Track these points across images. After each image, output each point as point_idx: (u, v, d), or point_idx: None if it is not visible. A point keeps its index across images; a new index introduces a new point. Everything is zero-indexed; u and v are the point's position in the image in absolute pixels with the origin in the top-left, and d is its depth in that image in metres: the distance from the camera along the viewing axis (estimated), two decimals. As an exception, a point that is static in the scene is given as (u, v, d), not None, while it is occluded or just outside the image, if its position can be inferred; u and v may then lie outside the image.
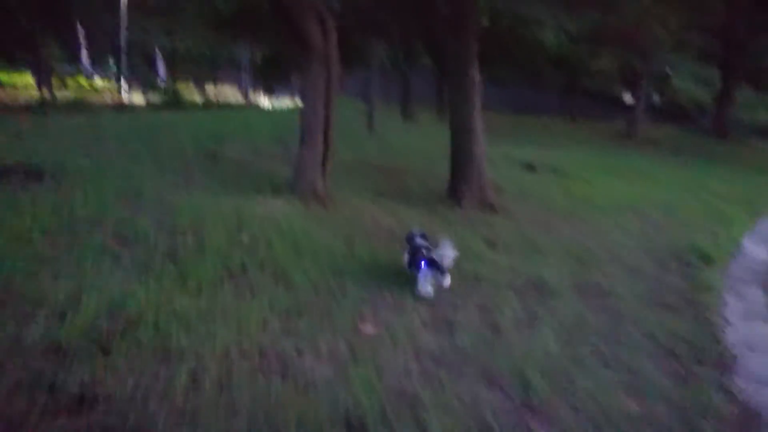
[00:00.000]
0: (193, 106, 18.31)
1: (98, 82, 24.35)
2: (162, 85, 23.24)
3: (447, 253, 4.52)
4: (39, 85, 17.80)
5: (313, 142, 6.65)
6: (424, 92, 23.36)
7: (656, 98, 32.40)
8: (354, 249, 5.22)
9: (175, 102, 17.60)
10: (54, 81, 19.17)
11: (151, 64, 28.05)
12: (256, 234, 5.16)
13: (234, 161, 8.70)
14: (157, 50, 30.17)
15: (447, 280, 4.56)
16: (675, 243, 7.34)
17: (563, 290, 5.08)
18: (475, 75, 7.98)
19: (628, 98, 31.36)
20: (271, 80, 23.24)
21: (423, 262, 4.41)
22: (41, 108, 14.11)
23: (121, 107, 15.86)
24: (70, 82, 20.19)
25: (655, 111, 30.52)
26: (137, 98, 18.24)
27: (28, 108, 14.61)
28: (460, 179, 8.03)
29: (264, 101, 25.82)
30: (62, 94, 17.17)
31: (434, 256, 4.46)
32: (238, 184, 7.13)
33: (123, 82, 20.29)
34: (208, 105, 18.19)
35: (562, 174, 12.94)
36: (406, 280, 4.53)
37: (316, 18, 6.35)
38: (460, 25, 7.78)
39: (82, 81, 22.35)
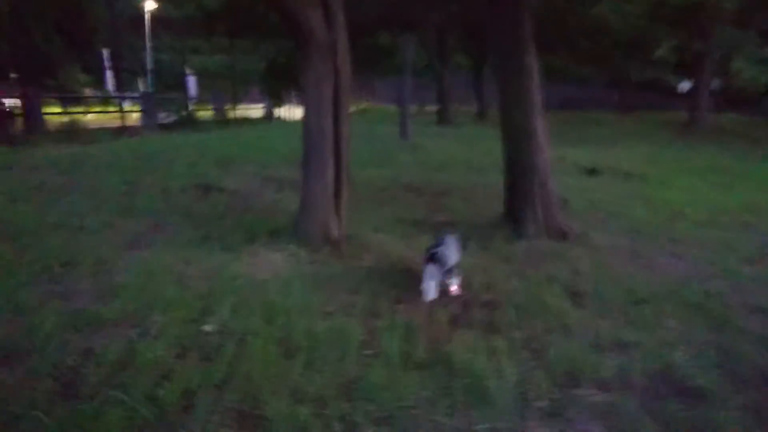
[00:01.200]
0: (208, 124, 16.88)
1: (125, 107, 23.35)
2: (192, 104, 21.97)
3: (449, 253, 4.21)
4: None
5: (322, 168, 4.89)
6: (461, 94, 21.45)
7: (716, 83, 29.57)
8: (391, 339, 3.37)
9: (189, 121, 16.19)
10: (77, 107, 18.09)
11: (183, 84, 27.01)
12: (226, 320, 3.39)
13: (232, 194, 7.03)
14: (186, 69, 29.20)
15: (454, 285, 4.29)
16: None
17: (723, 394, 3.11)
18: (533, 63, 6.07)
19: (683, 86, 28.72)
20: (280, 86, 21.58)
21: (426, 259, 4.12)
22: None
23: (121, 131, 14.46)
24: (86, 107, 19.05)
25: (715, 98, 27.78)
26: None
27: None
28: (520, 200, 6.14)
29: (287, 112, 24.32)
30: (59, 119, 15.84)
31: (437, 251, 4.13)
32: (227, 228, 5.42)
33: (139, 102, 19.03)
34: (223, 122, 16.71)
35: (632, 177, 10.85)
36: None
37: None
38: (511, -1, 5.92)
39: (110, 106, 21.19)
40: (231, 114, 20.28)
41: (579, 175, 11.01)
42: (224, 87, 25.17)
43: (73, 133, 13.11)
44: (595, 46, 18.28)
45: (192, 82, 27.95)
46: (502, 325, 3.79)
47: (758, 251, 6.20)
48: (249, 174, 7.93)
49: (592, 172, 11.31)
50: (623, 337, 3.86)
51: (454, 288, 4.27)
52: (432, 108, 20.02)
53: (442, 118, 18.46)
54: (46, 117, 14.90)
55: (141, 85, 28.02)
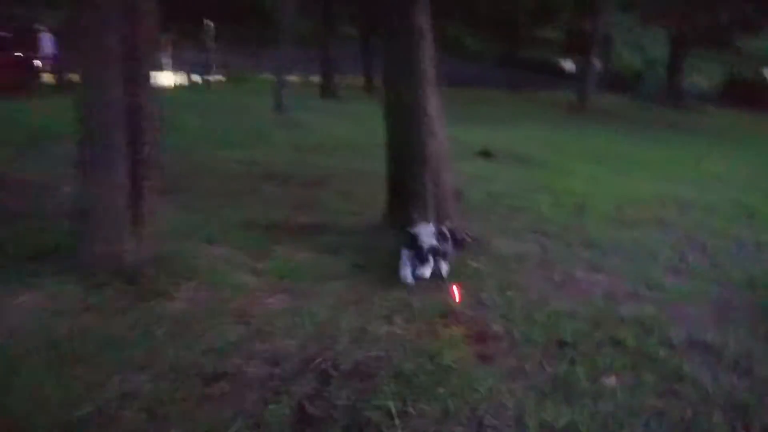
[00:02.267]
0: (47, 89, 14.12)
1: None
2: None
3: (424, 238, 3.89)
4: None
5: (107, 159, 3.19)
6: (350, 66, 19.90)
7: (597, 65, 30.25)
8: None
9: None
10: None
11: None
12: None
13: (17, 188, 5.05)
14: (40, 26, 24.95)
15: (426, 270, 3.91)
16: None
17: None
18: (426, 25, 4.68)
19: (569, 66, 29.03)
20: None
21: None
22: None
23: None
24: None
25: (598, 79, 28.34)
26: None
27: None
28: (406, 197, 4.75)
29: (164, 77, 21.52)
30: None
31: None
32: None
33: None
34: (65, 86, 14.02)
35: (530, 163, 9.94)
36: None
37: None
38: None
39: None
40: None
41: (473, 160, 9.92)
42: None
43: None
44: (495, 10, 17.28)
45: (47, 39, 23.84)
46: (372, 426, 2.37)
47: (677, 255, 5.30)
48: (57, 157, 5.93)
49: (486, 155, 10.28)
50: (549, 418, 2.61)
51: (426, 272, 3.93)
52: (318, 80, 18.39)
53: (326, 90, 16.83)
54: None
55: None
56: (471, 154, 10.29)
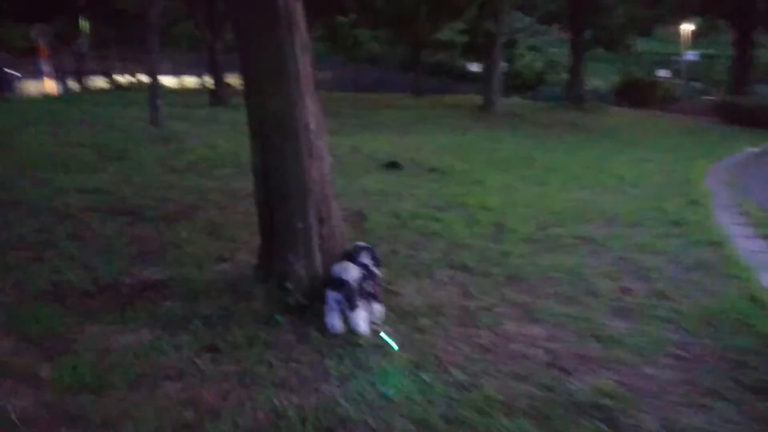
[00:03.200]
0: None
1: None
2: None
3: (348, 274, 3.24)
4: None
5: None
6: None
7: (502, 67, 30.40)
8: None
9: None
10: None
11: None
12: None
13: None
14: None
15: (358, 319, 3.19)
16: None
17: None
18: (296, 12, 3.49)
19: (474, 68, 28.90)
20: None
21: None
22: None
23: None
24: None
25: (503, 82, 28.42)
26: None
27: None
28: (282, 240, 3.53)
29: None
30: None
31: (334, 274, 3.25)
32: None
33: None
34: None
35: (439, 173, 9.02)
36: None
37: None
38: None
39: None
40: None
41: (377, 172, 8.87)
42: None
43: None
44: (392, 4, 16.23)
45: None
46: None
47: (617, 287, 4.45)
48: None
49: (394, 166, 9.27)
50: None
51: (360, 324, 3.20)
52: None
53: (216, 97, 15.24)
54: None
55: None
56: (376, 166, 9.25)
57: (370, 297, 3.38)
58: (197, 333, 2.98)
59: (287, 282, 3.31)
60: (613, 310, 4.02)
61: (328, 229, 3.51)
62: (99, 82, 21.66)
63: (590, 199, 7.68)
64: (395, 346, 3.08)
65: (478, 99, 21.70)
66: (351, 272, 3.25)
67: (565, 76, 26.05)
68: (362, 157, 9.86)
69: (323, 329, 3.19)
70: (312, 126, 3.40)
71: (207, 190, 6.20)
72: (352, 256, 3.53)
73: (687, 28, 32.63)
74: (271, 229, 3.47)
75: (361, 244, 3.67)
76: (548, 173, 9.42)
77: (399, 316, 3.51)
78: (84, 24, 24.25)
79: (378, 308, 3.43)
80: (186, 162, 7.59)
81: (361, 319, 3.19)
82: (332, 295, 3.20)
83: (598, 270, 4.82)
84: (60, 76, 20.26)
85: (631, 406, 2.77)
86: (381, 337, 3.14)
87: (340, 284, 3.17)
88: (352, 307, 3.17)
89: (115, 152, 7.75)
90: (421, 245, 5.20)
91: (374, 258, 3.60)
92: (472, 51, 25.11)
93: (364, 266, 3.46)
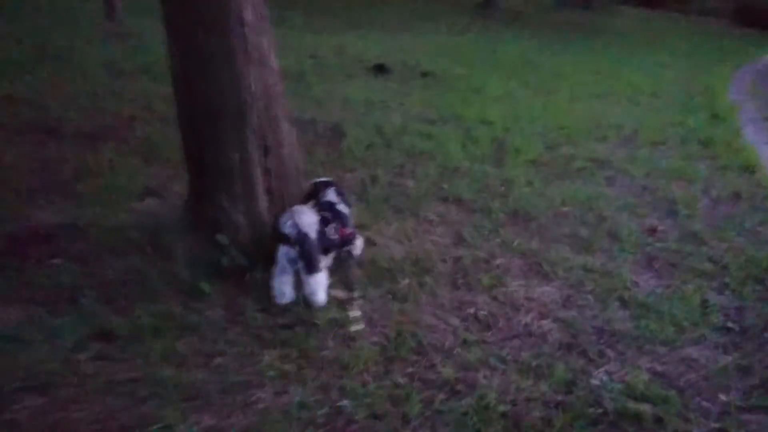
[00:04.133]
0: None
1: None
2: None
3: (305, 222, 2.39)
4: None
5: None
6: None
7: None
8: None
9: None
10: None
11: None
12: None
13: None
14: None
15: (316, 286, 2.42)
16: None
17: None
18: None
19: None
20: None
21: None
22: None
23: None
24: None
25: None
26: None
27: None
28: (208, 182, 2.62)
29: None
30: None
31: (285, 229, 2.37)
32: None
33: None
34: None
35: (433, 78, 7.94)
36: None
37: None
38: None
39: None
40: None
41: (363, 77, 7.79)
42: None
43: None
44: None
45: None
46: None
47: (644, 228, 3.65)
48: None
49: (380, 70, 8.16)
50: None
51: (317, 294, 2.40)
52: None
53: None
54: None
55: None
56: (362, 70, 8.14)
57: (338, 245, 2.57)
58: (87, 311, 2.17)
59: (219, 234, 2.45)
60: (640, 260, 3.25)
61: (276, 162, 2.61)
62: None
63: (603, 111, 6.72)
64: (361, 325, 2.30)
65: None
66: (308, 219, 2.40)
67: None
68: (348, 59, 8.71)
69: (267, 302, 2.38)
70: (249, 18, 2.40)
71: (154, 98, 5.20)
72: (312, 197, 2.67)
73: None
74: (199, 162, 2.57)
75: (324, 179, 2.80)
76: (555, 80, 8.35)
77: (373, 276, 2.72)
78: None
79: (359, 244, 2.66)
80: (140, 64, 6.48)
81: (320, 286, 2.38)
82: (284, 252, 2.38)
83: (618, 203, 4.00)
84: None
85: (676, 415, 2.04)
86: (349, 316, 2.35)
87: (295, 237, 2.33)
88: (310, 269, 2.36)
89: (56, 51, 6.61)
90: (407, 170, 4.33)
91: (341, 195, 2.74)
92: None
93: (329, 206, 2.61)
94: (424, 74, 8.10)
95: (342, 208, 2.68)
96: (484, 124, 5.74)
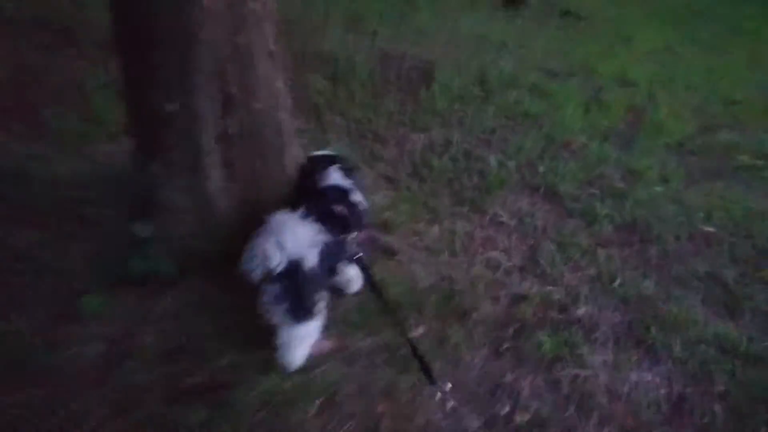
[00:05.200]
0: None
1: None
2: None
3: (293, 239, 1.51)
4: None
5: None
6: None
7: None
8: None
9: None
10: None
11: None
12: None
13: None
14: None
15: (295, 341, 1.58)
16: None
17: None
18: None
19: None
20: None
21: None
22: None
23: None
24: None
25: None
26: None
27: None
28: (140, 140, 1.80)
29: None
30: None
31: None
32: None
33: None
34: None
35: (576, 18, 6.50)
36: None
37: None
38: None
39: None
40: None
41: (490, 8, 6.57)
42: None
43: None
44: None
45: None
46: None
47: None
48: None
49: (512, 1, 6.86)
50: None
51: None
52: None
53: None
54: None
55: None
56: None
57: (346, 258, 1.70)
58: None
59: (140, 222, 1.67)
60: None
61: (244, 121, 1.73)
62: None
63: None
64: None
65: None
66: (300, 235, 1.52)
67: None
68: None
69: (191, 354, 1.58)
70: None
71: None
72: (307, 181, 1.79)
73: None
74: (135, 110, 1.77)
75: (325, 152, 1.89)
76: (732, 36, 6.56)
77: (365, 317, 1.82)
78: None
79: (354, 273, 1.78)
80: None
81: (304, 340, 1.54)
82: (271, 292, 1.53)
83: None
84: None
85: None
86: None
87: (278, 269, 1.48)
88: (300, 315, 1.51)
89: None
90: (498, 138, 3.29)
91: (350, 175, 1.82)
92: None
93: (336, 194, 1.73)
94: (565, 12, 6.69)
95: (357, 196, 1.78)
96: (623, 84, 4.46)
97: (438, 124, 3.36)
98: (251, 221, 1.57)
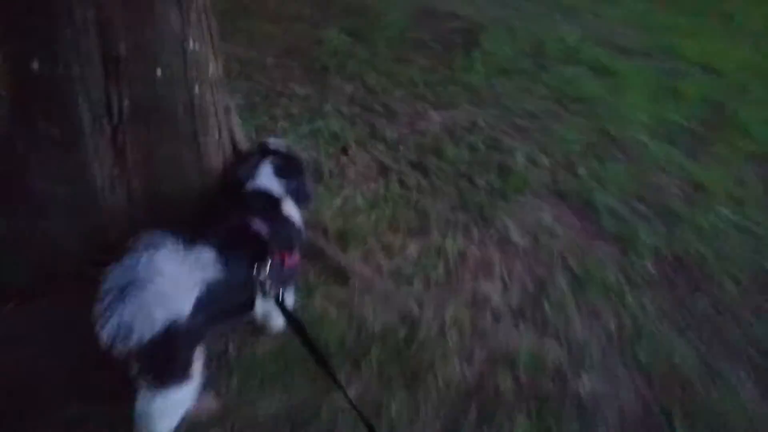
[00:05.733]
0: None
1: None
2: None
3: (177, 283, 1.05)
4: None
5: None
6: None
7: None
8: None
9: None
10: None
11: None
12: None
13: None
14: None
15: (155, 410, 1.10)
16: None
17: None
18: None
19: None
20: None
21: None
22: None
23: None
24: None
25: None
26: None
27: None
28: None
29: None
30: None
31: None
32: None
33: None
34: None
35: None
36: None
37: None
38: None
39: None
40: None
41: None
42: None
43: None
44: None
45: None
46: None
47: None
48: None
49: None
50: None
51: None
52: None
53: None
54: None
55: None
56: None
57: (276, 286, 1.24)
58: None
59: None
60: None
61: (143, 91, 1.29)
62: None
63: None
64: None
65: None
66: (173, 281, 1.07)
67: None
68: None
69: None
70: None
71: None
72: (233, 178, 1.34)
73: None
74: (3, 65, 1.34)
75: (271, 142, 1.43)
76: None
77: (280, 372, 1.38)
78: None
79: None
80: None
81: (170, 413, 1.14)
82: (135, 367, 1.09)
83: None
84: None
85: None
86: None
87: (152, 341, 1.03)
88: (164, 380, 1.12)
89: None
90: (536, 126, 2.73)
91: (289, 174, 1.36)
92: None
93: (259, 199, 1.28)
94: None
95: (289, 209, 1.33)
96: (706, 70, 3.73)
97: (467, 101, 2.83)
98: (151, 224, 1.15)
